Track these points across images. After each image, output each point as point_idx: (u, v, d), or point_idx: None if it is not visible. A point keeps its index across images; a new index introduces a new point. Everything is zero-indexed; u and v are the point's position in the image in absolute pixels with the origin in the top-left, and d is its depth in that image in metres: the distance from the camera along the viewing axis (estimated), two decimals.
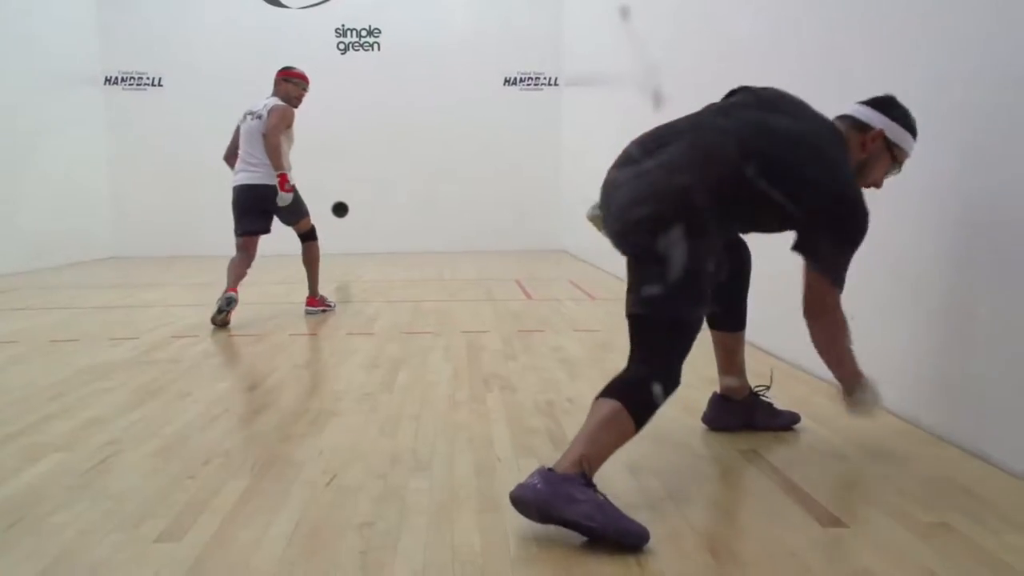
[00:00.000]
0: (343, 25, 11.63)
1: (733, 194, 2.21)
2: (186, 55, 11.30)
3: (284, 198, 5.50)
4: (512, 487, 1.98)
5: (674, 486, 2.31)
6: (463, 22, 11.56)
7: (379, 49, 11.70)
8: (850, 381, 2.56)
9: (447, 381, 3.64)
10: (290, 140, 5.76)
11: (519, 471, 2.38)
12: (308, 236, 5.94)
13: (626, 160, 2.43)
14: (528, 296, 6.71)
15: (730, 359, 2.84)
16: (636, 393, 2.18)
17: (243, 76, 11.28)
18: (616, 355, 4.10)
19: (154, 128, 11.21)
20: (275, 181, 5.48)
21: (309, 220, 5.92)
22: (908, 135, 2.47)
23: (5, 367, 4.09)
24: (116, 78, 11.32)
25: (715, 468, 2.51)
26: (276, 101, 5.62)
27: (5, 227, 8.60)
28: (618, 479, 2.32)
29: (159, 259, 10.32)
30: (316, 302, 5.88)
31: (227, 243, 11.12)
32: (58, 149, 9.84)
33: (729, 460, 2.56)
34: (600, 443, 2.08)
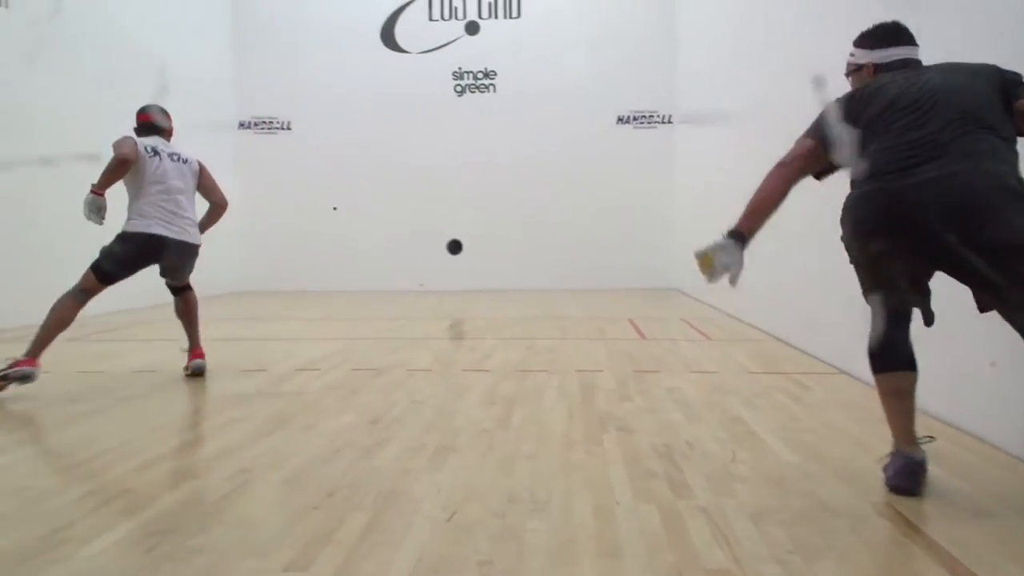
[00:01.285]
0: (459, 68, 11.96)
1: None
2: (312, 100, 11.88)
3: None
4: (632, 533, 1.95)
5: (801, 538, 2.21)
6: (577, 63, 11.69)
7: (494, 91, 11.96)
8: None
9: (562, 420, 3.62)
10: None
11: (638, 516, 2.34)
12: (187, 287, 5.11)
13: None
14: (641, 335, 6.63)
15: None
16: None
17: (364, 118, 11.80)
18: (734, 398, 4.02)
19: (282, 169, 11.80)
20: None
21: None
22: None
23: (145, 395, 4.33)
24: (249, 123, 12.01)
25: (844, 520, 2.39)
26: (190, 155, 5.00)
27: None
28: (740, 528, 2.25)
29: (284, 294, 10.78)
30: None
31: (349, 279, 11.46)
32: None
33: (860, 511, 2.43)
34: None
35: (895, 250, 2.48)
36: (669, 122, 11.63)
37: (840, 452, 3.03)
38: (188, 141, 10.79)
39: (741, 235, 2.64)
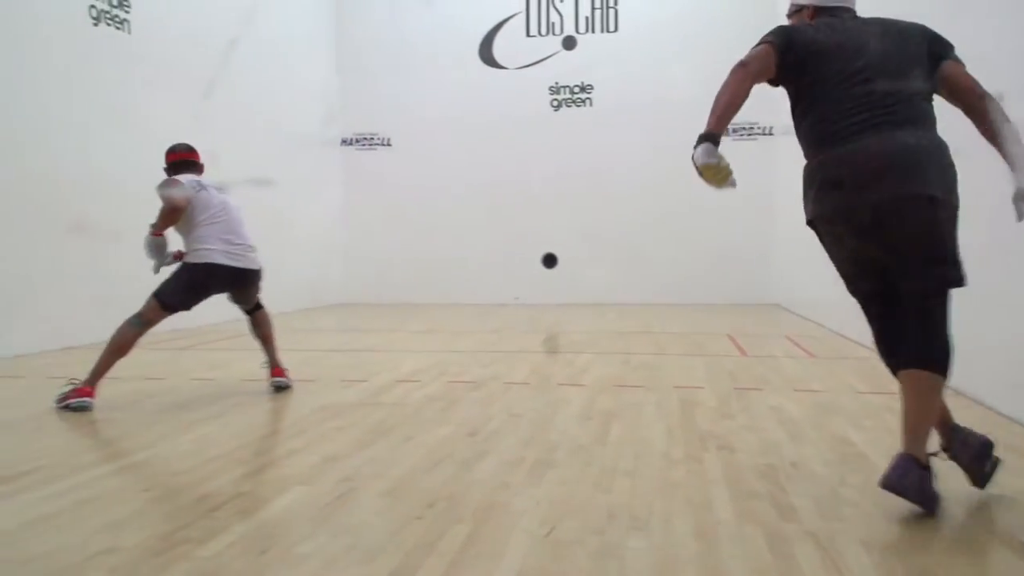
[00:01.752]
0: (556, 83, 12.02)
1: None
2: (412, 116, 12.15)
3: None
4: (736, 556, 1.91)
5: (919, 569, 2.12)
6: (675, 74, 11.56)
7: (591, 105, 11.97)
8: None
9: (661, 437, 3.58)
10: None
11: (742, 539, 2.29)
12: (258, 306, 5.13)
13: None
14: (742, 352, 6.49)
15: None
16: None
17: (462, 133, 11.99)
18: (841, 418, 3.89)
19: (383, 184, 12.11)
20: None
21: None
22: None
23: (253, 403, 4.50)
24: (351, 139, 12.39)
25: (964, 553, 2.27)
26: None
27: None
28: (851, 556, 2.17)
29: (385, 306, 11.04)
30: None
31: (446, 292, 11.63)
32: (302, 205, 10.84)
33: (981, 542, 2.31)
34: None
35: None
36: (770, 133, 11.36)
37: (958, 478, 2.88)
38: (295, 158, 11.26)
39: (715, 137, 2.72)
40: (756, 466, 3.07)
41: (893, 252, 2.58)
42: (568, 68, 12.00)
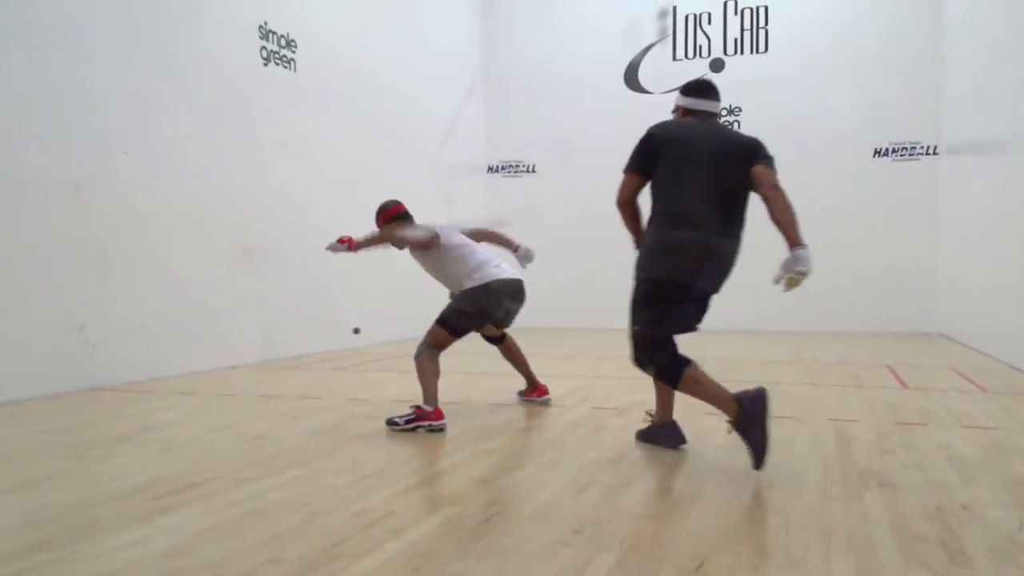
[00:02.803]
0: None
1: None
2: (555, 143, 12.28)
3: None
4: None
5: None
6: (827, 94, 11.15)
7: (739, 127, 11.69)
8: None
9: (816, 472, 3.42)
10: None
11: None
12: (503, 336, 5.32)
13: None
14: (903, 384, 6.12)
15: None
16: None
17: (605, 160, 11.97)
18: (1018, 459, 3.60)
19: (527, 210, 12.26)
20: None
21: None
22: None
23: None
24: (497, 167, 12.65)
25: None
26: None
27: (398, 298, 9.91)
28: None
29: (531, 330, 11.12)
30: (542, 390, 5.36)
31: (590, 316, 11.65)
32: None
33: None
34: None
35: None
36: (934, 153, 10.72)
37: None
38: (443, 184, 11.60)
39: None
40: (923, 507, 2.88)
41: None
42: None
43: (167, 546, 2.56)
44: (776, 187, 3.61)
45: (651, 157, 3.68)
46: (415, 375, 4.56)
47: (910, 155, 10.87)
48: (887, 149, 10.97)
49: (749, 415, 3.38)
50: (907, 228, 10.78)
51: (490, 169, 12.71)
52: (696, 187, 3.57)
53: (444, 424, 4.40)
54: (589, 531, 2.64)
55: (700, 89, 3.91)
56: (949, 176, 10.26)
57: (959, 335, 9.32)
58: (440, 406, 4.47)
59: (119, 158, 6.40)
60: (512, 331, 5.45)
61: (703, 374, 3.62)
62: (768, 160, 3.68)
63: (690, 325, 3.75)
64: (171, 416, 5.03)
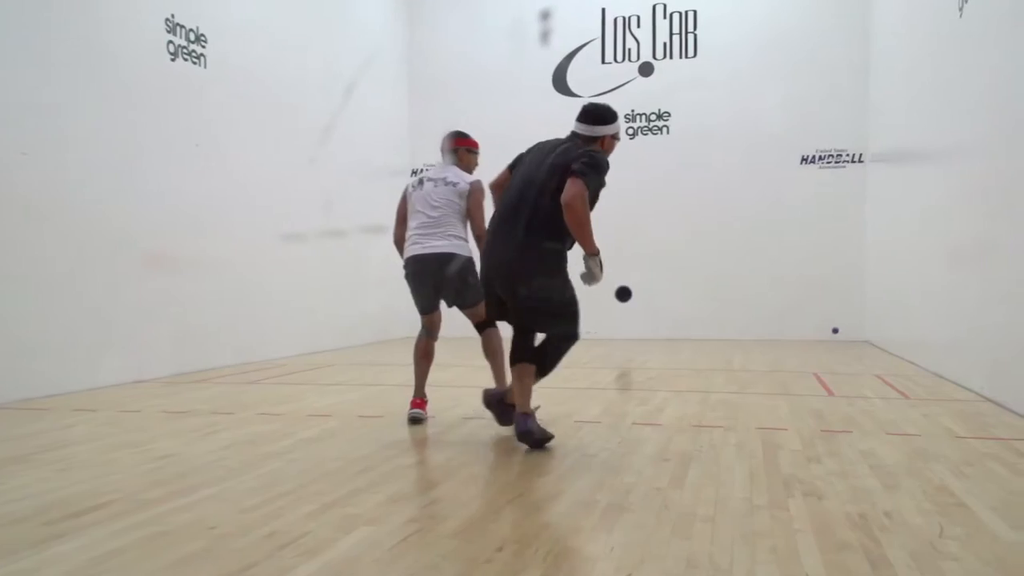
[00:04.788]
0: (632, 110, 12.03)
1: None
2: (486, 148, 12.25)
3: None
4: None
5: None
6: (756, 101, 11.46)
7: (668, 132, 11.93)
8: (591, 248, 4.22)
9: (742, 481, 3.49)
10: None
11: None
12: (486, 323, 5.22)
13: None
14: (829, 392, 6.31)
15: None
16: None
17: None
18: (939, 465, 3.75)
19: None
20: (469, 253, 5.12)
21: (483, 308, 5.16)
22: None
23: (321, 440, 4.57)
24: (421, 169, 12.58)
25: None
26: (462, 173, 5.31)
27: (319, 308, 9.78)
28: None
29: (451, 340, 11.09)
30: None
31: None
32: (374, 238, 11.06)
33: None
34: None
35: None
36: (859, 161, 11.12)
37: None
38: (359, 188, 11.47)
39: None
40: (847, 515, 2.97)
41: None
42: (644, 95, 12.00)
43: (61, 575, 2.45)
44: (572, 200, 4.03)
45: None
46: (334, 387, 4.49)
47: (836, 162, 11.25)
48: (814, 156, 11.33)
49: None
50: (835, 236, 11.15)
51: (414, 172, 12.63)
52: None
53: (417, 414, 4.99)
54: (512, 548, 2.63)
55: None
56: (875, 184, 10.65)
57: (885, 343, 9.66)
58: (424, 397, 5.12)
59: (17, 159, 6.15)
60: (442, 341, 5.45)
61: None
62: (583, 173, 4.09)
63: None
64: (70, 435, 4.83)
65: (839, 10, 11.26)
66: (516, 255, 4.17)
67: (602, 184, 4.24)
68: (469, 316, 5.25)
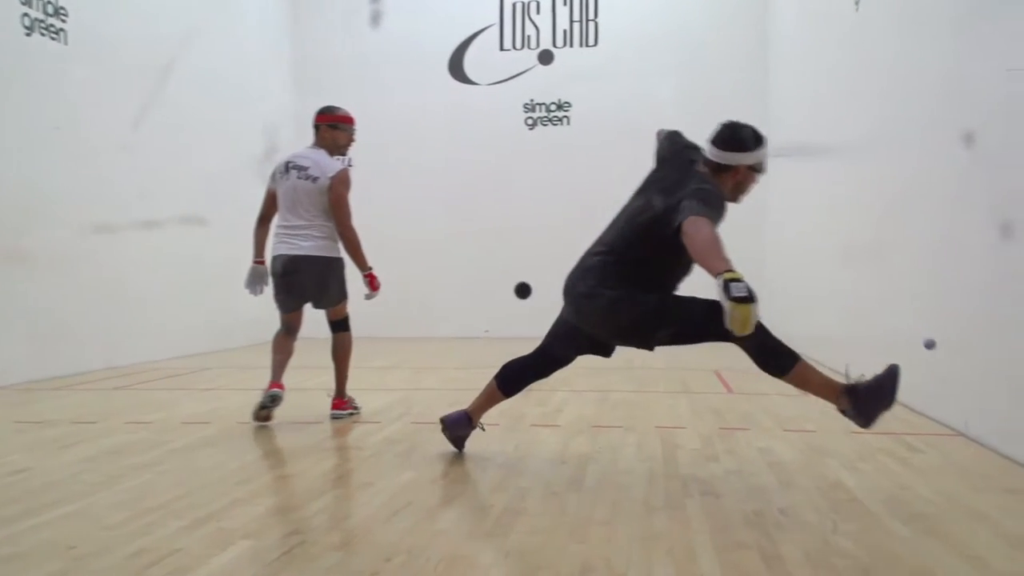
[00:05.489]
0: (532, 100, 12.12)
1: None
2: (373, 135, 12.10)
3: (373, 295, 5.40)
4: None
5: None
6: (657, 92, 11.70)
7: (568, 123, 12.07)
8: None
9: (641, 483, 3.57)
10: None
11: None
12: (342, 325, 5.43)
13: None
14: (729, 389, 6.52)
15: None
16: None
17: (429, 153, 12.02)
18: (834, 461, 3.92)
19: None
20: (336, 254, 5.15)
21: (346, 306, 5.42)
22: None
23: (197, 449, 4.43)
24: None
25: None
26: (325, 156, 5.14)
27: (194, 307, 9.47)
28: None
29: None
30: (344, 404, 5.37)
31: (411, 324, 11.63)
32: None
33: None
34: None
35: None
36: None
37: (956, 525, 2.91)
38: (241, 181, 11.21)
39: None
40: (743, 513, 3.07)
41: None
42: (544, 84, 12.10)
43: None
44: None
45: None
46: (211, 392, 4.36)
47: None
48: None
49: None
50: (736, 231, 11.37)
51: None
52: None
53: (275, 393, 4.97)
54: (401, 558, 2.61)
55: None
56: (775, 179, 11.02)
57: (786, 339, 10.02)
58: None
59: None
60: (327, 341, 5.40)
61: None
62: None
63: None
64: None
65: (739, 2, 11.63)
66: (596, 306, 3.84)
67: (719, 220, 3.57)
68: (329, 314, 5.28)
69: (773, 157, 10.63)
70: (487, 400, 4.16)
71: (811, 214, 8.64)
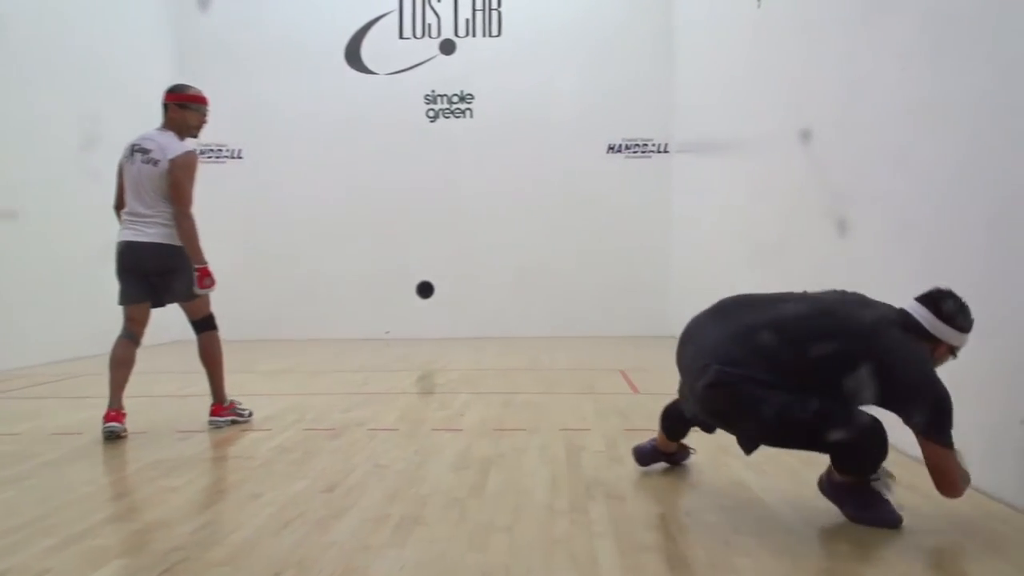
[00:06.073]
0: (433, 91, 12.08)
1: None
2: (266, 126, 11.91)
3: (202, 293, 5.05)
4: None
5: None
6: (562, 86, 11.81)
7: (471, 116, 12.07)
8: None
9: (544, 487, 3.60)
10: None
11: None
12: (205, 324, 5.20)
13: None
14: (634, 389, 6.63)
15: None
16: None
17: (325, 147, 11.84)
18: (738, 461, 4.01)
19: (232, 203, 11.74)
20: (176, 241, 4.91)
21: (209, 301, 5.19)
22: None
23: (69, 461, 4.26)
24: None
25: None
26: (172, 138, 4.92)
27: (72, 309, 9.10)
28: None
29: (233, 343, 10.66)
30: (223, 410, 5.17)
31: (307, 326, 11.41)
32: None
33: None
34: None
35: None
36: (665, 151, 11.75)
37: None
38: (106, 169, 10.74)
39: None
40: (647, 516, 3.14)
41: None
42: (446, 75, 12.07)
43: None
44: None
45: None
46: (83, 400, 4.21)
47: (643, 152, 11.83)
48: (621, 145, 11.86)
49: None
50: (642, 229, 11.70)
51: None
52: None
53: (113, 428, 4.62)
54: (291, 572, 2.57)
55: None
56: (680, 176, 11.30)
57: None
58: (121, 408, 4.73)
59: None
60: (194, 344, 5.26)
61: None
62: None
63: None
64: None
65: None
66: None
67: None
68: (187, 312, 5.11)
69: (678, 152, 10.80)
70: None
71: (714, 211, 8.86)
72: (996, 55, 3.38)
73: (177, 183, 4.82)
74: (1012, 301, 3.21)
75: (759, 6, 6.78)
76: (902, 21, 4.26)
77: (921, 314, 3.08)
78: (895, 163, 4.31)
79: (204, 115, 5.17)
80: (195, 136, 5.12)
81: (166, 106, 5.03)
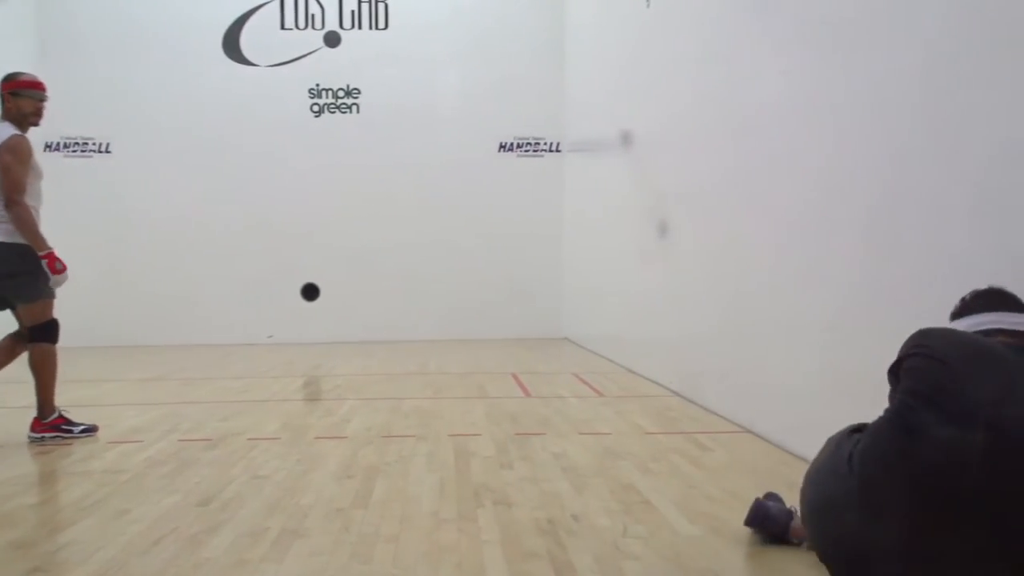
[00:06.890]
0: (317, 85, 11.90)
1: None
2: (139, 118, 11.50)
3: (58, 280, 4.84)
4: None
5: None
6: (452, 82, 11.83)
7: (358, 111, 11.94)
8: None
9: (431, 495, 3.60)
10: (37, 174, 4.86)
11: None
12: (41, 334, 4.94)
13: None
14: (526, 393, 6.69)
15: None
16: None
17: (201, 141, 11.53)
18: (627, 463, 4.11)
19: (99, 200, 11.32)
20: (22, 239, 4.71)
21: (50, 308, 4.97)
22: None
23: None
24: (57, 144, 11.52)
25: None
26: (6, 127, 4.78)
27: None
28: None
29: (100, 350, 10.30)
30: (42, 425, 4.94)
31: (182, 331, 11.09)
32: None
33: None
34: None
35: None
36: (557, 151, 11.88)
37: (741, 523, 3.12)
38: None
39: None
40: (535, 521, 3.17)
41: None
42: (331, 68, 11.90)
43: None
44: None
45: None
46: None
47: (535, 151, 11.94)
48: (512, 144, 11.93)
49: None
50: (533, 229, 11.80)
51: (48, 147, 11.52)
52: None
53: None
54: None
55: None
56: (572, 176, 11.45)
57: (582, 339, 10.43)
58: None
59: None
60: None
61: None
62: None
63: None
64: None
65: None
66: None
67: None
68: (23, 317, 4.90)
69: (570, 152, 10.94)
70: None
71: (604, 212, 9.02)
72: (870, 59, 3.56)
73: (6, 167, 4.62)
74: (884, 300, 3.38)
75: (648, 6, 6.94)
76: (784, 20, 4.45)
77: None
78: (775, 162, 4.49)
79: (40, 101, 4.95)
80: (36, 124, 4.94)
81: (2, 97, 4.82)
